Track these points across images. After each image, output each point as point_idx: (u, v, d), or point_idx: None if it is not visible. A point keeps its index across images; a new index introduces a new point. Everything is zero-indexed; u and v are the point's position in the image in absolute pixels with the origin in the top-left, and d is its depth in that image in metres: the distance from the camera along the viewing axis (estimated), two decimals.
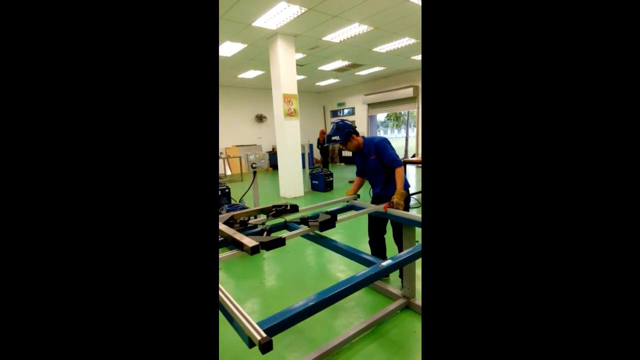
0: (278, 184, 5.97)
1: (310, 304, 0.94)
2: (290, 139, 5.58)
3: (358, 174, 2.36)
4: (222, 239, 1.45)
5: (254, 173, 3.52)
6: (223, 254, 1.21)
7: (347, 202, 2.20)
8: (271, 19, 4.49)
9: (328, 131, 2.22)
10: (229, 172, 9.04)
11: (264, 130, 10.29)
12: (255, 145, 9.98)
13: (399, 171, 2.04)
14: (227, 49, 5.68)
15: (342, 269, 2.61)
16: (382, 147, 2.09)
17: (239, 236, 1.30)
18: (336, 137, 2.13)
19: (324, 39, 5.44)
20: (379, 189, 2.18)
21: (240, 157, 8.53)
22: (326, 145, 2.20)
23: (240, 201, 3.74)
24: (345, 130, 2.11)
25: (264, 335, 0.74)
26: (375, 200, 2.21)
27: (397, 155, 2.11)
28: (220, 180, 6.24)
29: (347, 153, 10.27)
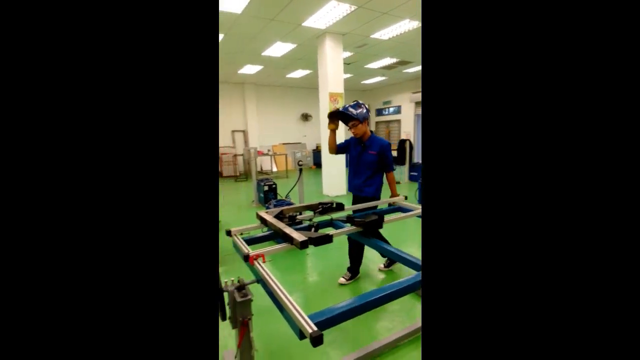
0: (321, 182, 6.03)
1: (359, 303, 0.94)
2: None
3: (339, 146, 2.37)
4: (271, 232, 1.53)
5: (300, 170, 3.61)
6: (272, 247, 1.27)
7: (394, 203, 2.15)
8: (320, 19, 4.54)
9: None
10: (275, 169, 9.38)
11: (309, 128, 10.46)
12: (300, 143, 10.21)
13: (393, 175, 2.29)
14: (277, 49, 5.87)
15: (384, 270, 2.56)
16: (388, 151, 2.24)
17: (289, 230, 1.34)
18: (354, 112, 2.13)
19: (373, 36, 5.35)
20: (362, 180, 2.27)
21: (286, 155, 8.80)
22: (333, 111, 2.20)
23: (286, 197, 3.86)
24: (365, 112, 2.17)
25: (315, 328, 0.76)
26: (353, 189, 2.34)
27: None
28: (267, 177, 6.51)
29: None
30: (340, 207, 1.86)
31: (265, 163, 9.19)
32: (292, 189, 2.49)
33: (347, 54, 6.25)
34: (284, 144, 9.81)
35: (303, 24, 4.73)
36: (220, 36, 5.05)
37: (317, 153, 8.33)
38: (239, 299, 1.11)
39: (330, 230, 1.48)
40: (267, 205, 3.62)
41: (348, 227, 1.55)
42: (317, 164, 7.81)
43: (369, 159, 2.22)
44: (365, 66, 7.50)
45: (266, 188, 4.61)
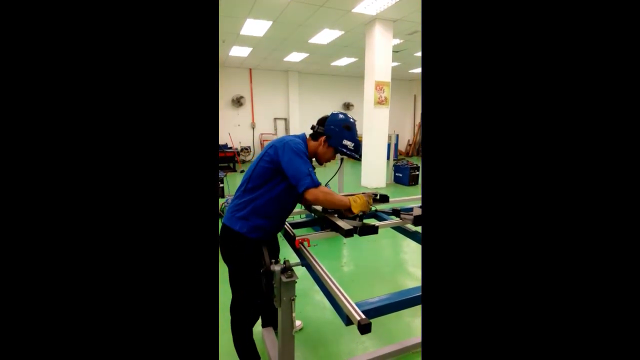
0: (359, 173, 5.96)
1: (408, 297, 0.92)
2: (378, 128, 5.46)
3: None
4: (310, 218, 1.55)
5: (341, 160, 3.59)
6: (317, 233, 1.29)
7: None
8: (372, 4, 4.38)
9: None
10: None
11: None
12: None
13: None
14: (324, 36, 5.81)
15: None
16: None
17: (334, 218, 1.34)
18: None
19: None
20: None
21: None
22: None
23: (326, 185, 3.88)
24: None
25: (364, 316, 0.76)
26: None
27: None
28: None
29: None
30: (384, 198, 1.82)
31: None
32: (331, 178, 2.48)
33: (397, 41, 6.00)
34: None
35: (353, 10, 4.60)
36: (268, 23, 5.11)
37: None
38: (284, 280, 1.14)
39: (373, 222, 1.45)
40: None
41: (393, 220, 1.51)
42: None
43: None
44: (415, 54, 7.15)
45: None
